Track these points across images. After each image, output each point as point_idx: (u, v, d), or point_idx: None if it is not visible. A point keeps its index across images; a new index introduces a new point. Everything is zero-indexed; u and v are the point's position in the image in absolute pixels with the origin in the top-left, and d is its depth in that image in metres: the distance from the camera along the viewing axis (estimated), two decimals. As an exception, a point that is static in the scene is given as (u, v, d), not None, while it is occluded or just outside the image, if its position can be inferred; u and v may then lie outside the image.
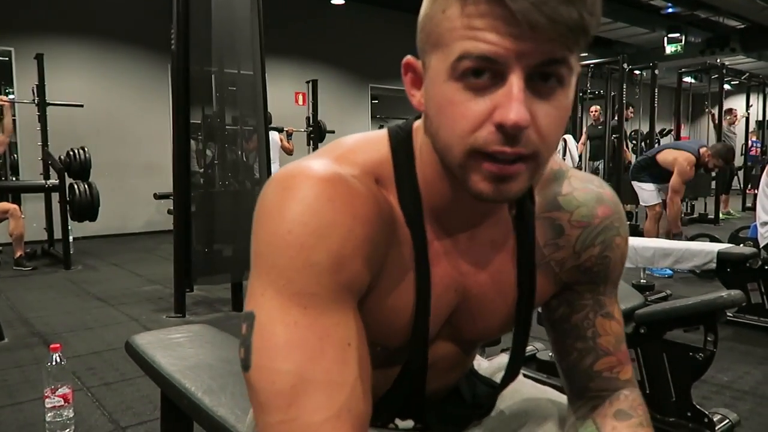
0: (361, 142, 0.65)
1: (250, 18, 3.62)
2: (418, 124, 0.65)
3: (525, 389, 0.88)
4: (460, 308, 0.70)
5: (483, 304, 0.70)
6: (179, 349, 1.48)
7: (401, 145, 0.65)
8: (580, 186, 0.71)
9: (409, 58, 0.60)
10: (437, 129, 0.56)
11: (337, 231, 0.55)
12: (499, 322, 0.72)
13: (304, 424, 0.52)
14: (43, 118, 5.75)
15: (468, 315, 0.71)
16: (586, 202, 0.69)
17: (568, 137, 6.85)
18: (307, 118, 8.28)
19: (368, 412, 0.56)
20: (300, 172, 0.58)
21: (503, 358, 0.90)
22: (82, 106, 6.23)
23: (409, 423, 0.78)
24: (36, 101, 5.69)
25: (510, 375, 0.78)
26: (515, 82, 0.51)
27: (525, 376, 0.95)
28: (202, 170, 3.85)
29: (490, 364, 0.96)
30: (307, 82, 8.38)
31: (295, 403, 0.53)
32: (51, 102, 5.79)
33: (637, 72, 8.01)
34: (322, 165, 0.59)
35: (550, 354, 2.37)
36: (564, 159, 6.72)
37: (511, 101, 0.50)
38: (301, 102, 8.79)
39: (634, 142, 9.29)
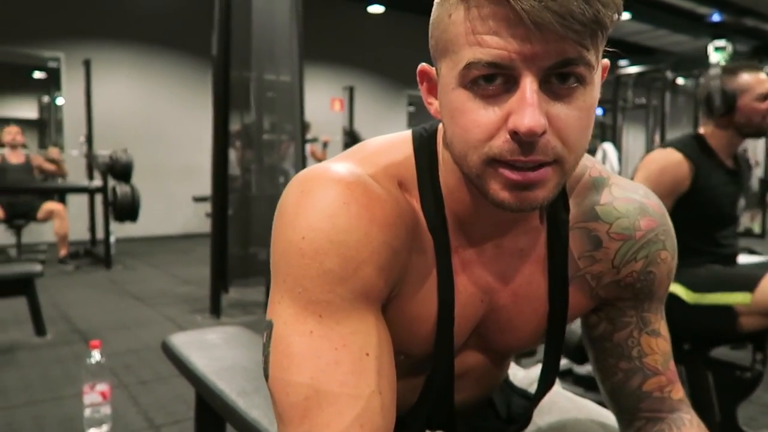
0: (385, 144, 0.64)
1: (289, 25, 3.67)
2: (441, 127, 0.63)
3: (562, 403, 0.85)
4: (488, 319, 0.67)
5: (512, 316, 0.67)
6: (214, 350, 1.50)
7: (424, 149, 0.62)
8: (622, 195, 0.66)
9: (423, 65, 0.59)
10: (452, 138, 0.54)
11: (352, 236, 0.53)
12: (529, 334, 0.68)
13: None
14: (89, 122, 5.94)
15: (496, 326, 0.68)
16: (627, 214, 0.65)
17: (608, 146, 6.71)
18: (343, 128, 8.34)
19: (387, 426, 0.54)
20: (317, 175, 0.57)
21: (539, 369, 0.87)
22: (125, 151, 5.97)
23: None
24: (84, 145, 5.90)
25: (543, 389, 0.74)
26: (528, 86, 0.48)
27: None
28: (240, 174, 3.91)
29: (526, 374, 0.93)
30: (344, 89, 8.44)
31: (308, 416, 0.51)
32: (96, 155, 5.76)
33: (680, 81, 7.82)
34: (340, 167, 0.57)
35: (588, 368, 2.29)
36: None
37: (525, 107, 0.47)
38: (337, 108, 8.86)
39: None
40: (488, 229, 0.63)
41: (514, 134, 0.49)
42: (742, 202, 1.86)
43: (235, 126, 3.76)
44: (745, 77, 1.74)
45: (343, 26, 8.78)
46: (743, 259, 2.43)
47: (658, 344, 0.69)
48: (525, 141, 0.49)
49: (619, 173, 7.06)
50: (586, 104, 0.51)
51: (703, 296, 1.72)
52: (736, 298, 1.66)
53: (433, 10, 0.54)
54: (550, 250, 0.65)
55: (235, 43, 3.55)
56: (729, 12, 8.07)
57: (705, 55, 9.62)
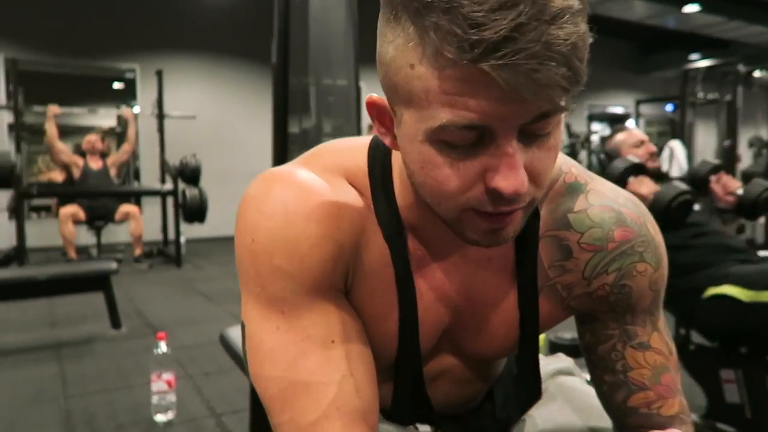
0: (342, 147, 0.64)
1: (345, 32, 3.76)
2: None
3: (566, 407, 0.79)
4: (455, 325, 0.66)
5: (480, 323, 0.65)
6: (266, 343, 1.58)
7: (378, 160, 0.61)
8: (598, 203, 0.62)
9: (373, 98, 0.54)
10: (421, 185, 0.51)
11: (291, 232, 0.55)
12: (501, 341, 0.67)
13: (297, 426, 0.54)
14: (161, 129, 6.29)
15: (465, 332, 0.66)
16: (601, 223, 0.61)
17: (676, 144, 6.44)
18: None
19: (366, 406, 0.56)
20: (261, 178, 0.59)
21: (559, 363, 0.86)
22: (194, 117, 6.76)
23: (427, 428, 0.75)
24: (155, 113, 6.25)
25: (526, 398, 0.72)
26: (507, 146, 0.46)
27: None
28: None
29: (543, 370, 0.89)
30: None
31: (287, 406, 0.54)
32: (168, 115, 6.34)
33: (757, 74, 7.40)
34: (283, 169, 0.59)
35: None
36: (671, 166, 6.33)
37: (507, 168, 0.46)
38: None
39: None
40: (449, 241, 0.60)
41: (493, 190, 0.47)
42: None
43: (294, 130, 3.89)
44: (619, 135, 2.19)
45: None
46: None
47: (646, 358, 0.65)
48: (507, 199, 0.47)
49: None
50: (556, 142, 0.50)
51: (760, 294, 1.67)
52: None
53: (384, 46, 0.49)
54: (519, 258, 0.63)
55: (294, 51, 3.67)
56: (811, -1, 7.58)
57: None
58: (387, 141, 0.55)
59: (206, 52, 7.73)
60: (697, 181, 2.23)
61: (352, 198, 0.59)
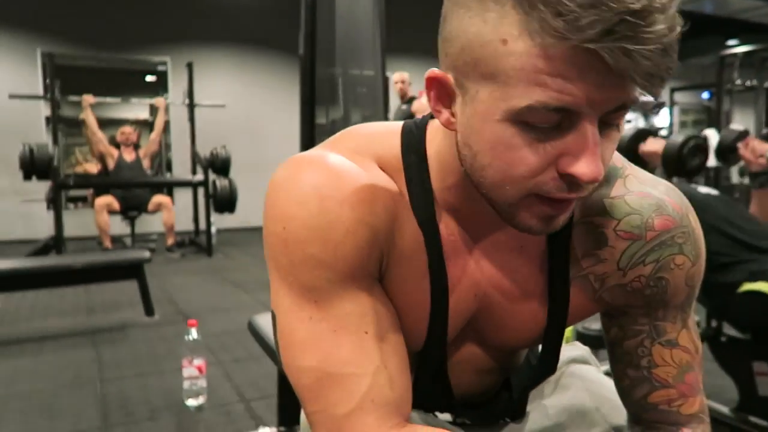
0: (372, 131, 0.62)
1: (371, 22, 3.76)
2: (433, 124, 0.60)
3: (580, 395, 0.79)
4: (481, 314, 0.65)
5: (507, 313, 0.64)
6: (293, 330, 1.61)
7: (412, 146, 0.60)
8: (637, 189, 0.60)
9: (435, 72, 0.51)
10: (484, 166, 0.50)
11: (325, 218, 0.53)
12: (526, 333, 0.65)
13: (330, 417, 0.54)
14: (191, 120, 6.39)
15: (491, 322, 0.65)
16: (640, 210, 0.59)
17: (711, 132, 6.27)
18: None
19: (399, 398, 0.55)
20: (290, 163, 0.57)
21: (574, 351, 0.85)
22: (224, 105, 6.86)
23: (447, 416, 0.76)
24: (186, 103, 6.36)
25: (540, 375, 0.71)
26: (590, 132, 0.46)
27: None
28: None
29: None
30: (432, 81, 8.45)
31: (321, 395, 0.54)
32: (198, 104, 6.45)
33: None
34: (312, 153, 0.57)
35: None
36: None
37: (588, 155, 0.46)
38: (425, 99, 8.88)
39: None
40: (485, 225, 0.60)
41: (569, 175, 0.47)
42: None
43: (321, 121, 3.91)
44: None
45: (431, 15, 8.77)
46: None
47: (672, 356, 0.63)
48: (581, 185, 0.48)
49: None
50: (619, 134, 0.50)
51: None
52: None
53: (465, 19, 0.47)
54: (551, 246, 0.61)
55: (321, 42, 3.69)
56: None
57: (829, 30, 8.70)
58: (442, 118, 0.53)
59: (235, 44, 7.81)
60: (726, 149, 2.19)
61: (385, 182, 0.57)
